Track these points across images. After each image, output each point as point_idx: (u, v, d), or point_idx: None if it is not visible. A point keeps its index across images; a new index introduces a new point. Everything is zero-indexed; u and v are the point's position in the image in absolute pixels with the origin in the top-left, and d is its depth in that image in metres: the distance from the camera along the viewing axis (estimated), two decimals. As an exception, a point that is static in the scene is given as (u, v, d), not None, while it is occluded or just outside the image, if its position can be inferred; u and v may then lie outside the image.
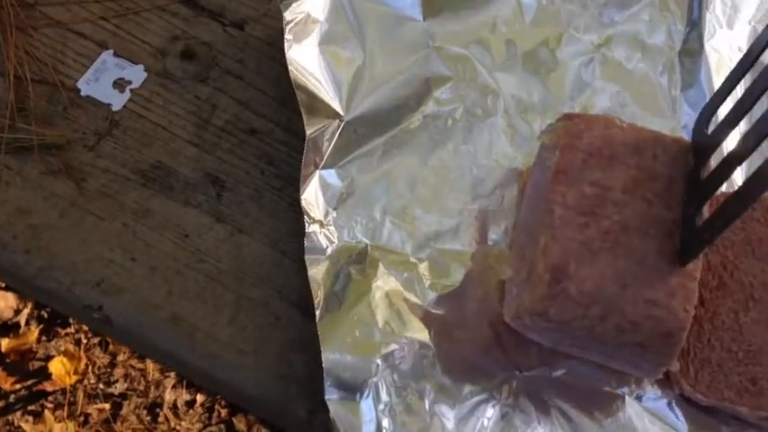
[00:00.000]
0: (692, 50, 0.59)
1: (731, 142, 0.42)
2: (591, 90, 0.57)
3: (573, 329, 0.42)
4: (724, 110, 0.43)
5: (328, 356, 0.45)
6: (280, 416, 0.48)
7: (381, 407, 0.44)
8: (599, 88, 0.57)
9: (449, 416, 0.45)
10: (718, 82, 0.57)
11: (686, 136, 0.55)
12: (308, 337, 0.47)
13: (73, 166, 0.51)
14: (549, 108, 0.56)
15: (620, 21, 0.59)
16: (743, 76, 0.43)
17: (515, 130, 0.54)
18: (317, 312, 0.46)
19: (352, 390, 0.45)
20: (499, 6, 0.58)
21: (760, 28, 0.60)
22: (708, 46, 0.59)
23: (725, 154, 0.40)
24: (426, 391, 0.46)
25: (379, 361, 0.46)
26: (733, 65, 0.58)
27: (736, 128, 0.42)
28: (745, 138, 0.38)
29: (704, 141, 0.43)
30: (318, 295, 0.47)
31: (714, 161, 0.42)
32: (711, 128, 0.43)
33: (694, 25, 0.60)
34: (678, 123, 0.56)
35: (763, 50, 0.41)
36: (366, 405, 0.44)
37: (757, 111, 0.39)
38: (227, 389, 0.48)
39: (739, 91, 0.43)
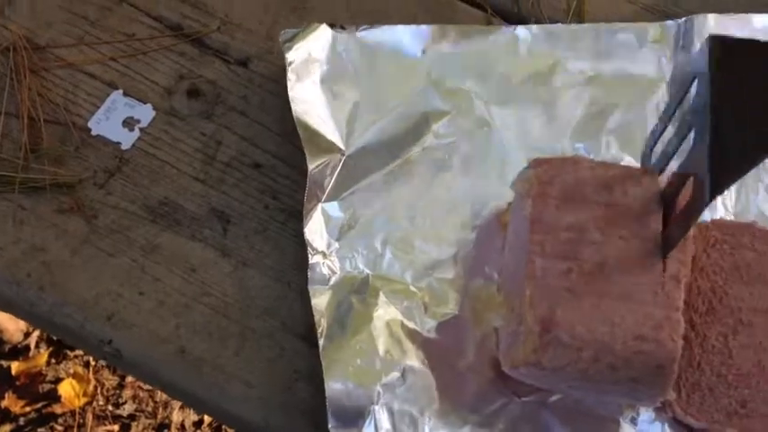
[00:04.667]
0: (682, 81, 0.60)
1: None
2: (583, 121, 0.58)
3: (568, 373, 0.42)
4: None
5: (331, 385, 0.47)
6: (286, 445, 0.49)
7: (382, 434, 0.46)
8: (591, 119, 0.58)
9: (448, 442, 0.47)
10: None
11: (674, 164, 0.57)
12: (313, 366, 0.48)
13: (84, 204, 0.53)
14: (543, 139, 0.57)
15: (611, 53, 0.60)
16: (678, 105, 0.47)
17: (510, 162, 0.56)
18: (321, 341, 0.48)
19: (353, 418, 0.46)
20: (494, 41, 0.60)
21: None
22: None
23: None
24: (426, 418, 0.47)
25: (380, 389, 0.47)
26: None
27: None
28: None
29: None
30: (321, 324, 0.48)
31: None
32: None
33: (684, 56, 0.61)
34: (670, 153, 0.58)
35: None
36: (368, 433, 0.46)
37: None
38: (234, 420, 0.49)
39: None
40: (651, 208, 0.45)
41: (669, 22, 0.62)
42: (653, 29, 0.62)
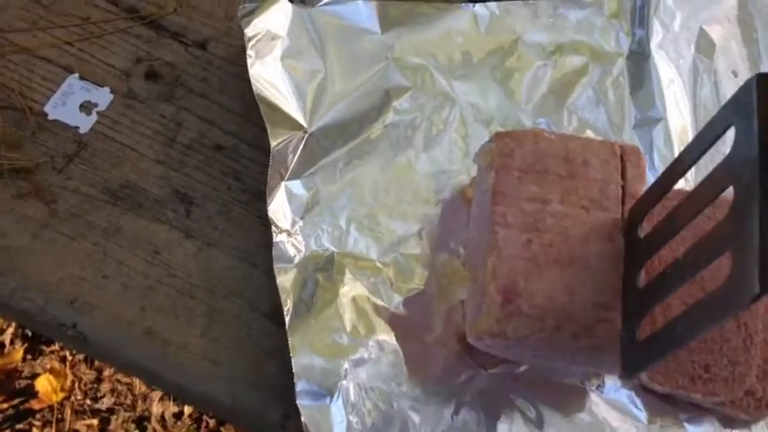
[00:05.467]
0: (639, 54, 0.61)
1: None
2: (544, 95, 0.59)
3: (532, 343, 0.43)
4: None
5: (298, 362, 0.47)
6: (254, 423, 0.49)
7: (351, 408, 0.46)
8: (552, 93, 0.59)
9: (416, 414, 0.47)
10: (665, 85, 0.60)
11: (635, 136, 0.58)
12: (280, 345, 0.48)
13: (43, 189, 0.53)
14: (505, 114, 0.58)
15: (570, 29, 0.61)
16: (679, 177, 0.41)
17: (472, 137, 0.56)
18: (287, 319, 0.48)
19: (322, 393, 0.46)
20: (454, 18, 0.60)
21: (706, 27, 0.63)
22: (654, 49, 0.61)
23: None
24: (394, 391, 0.47)
25: (347, 364, 0.47)
26: (679, 65, 0.61)
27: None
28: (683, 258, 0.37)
29: (637, 244, 0.43)
30: (287, 303, 0.48)
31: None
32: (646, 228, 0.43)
33: (642, 30, 0.62)
34: (629, 124, 0.58)
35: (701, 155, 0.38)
36: (336, 407, 0.46)
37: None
38: (202, 400, 0.49)
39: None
40: (611, 178, 0.45)
41: (626, -3, 0.63)
42: (610, 3, 0.63)
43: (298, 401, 0.45)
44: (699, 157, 0.39)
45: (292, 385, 0.46)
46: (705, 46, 0.62)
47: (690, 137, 0.58)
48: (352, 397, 0.47)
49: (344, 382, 0.47)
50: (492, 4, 0.61)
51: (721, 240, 0.34)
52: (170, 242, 0.52)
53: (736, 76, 0.62)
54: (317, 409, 0.46)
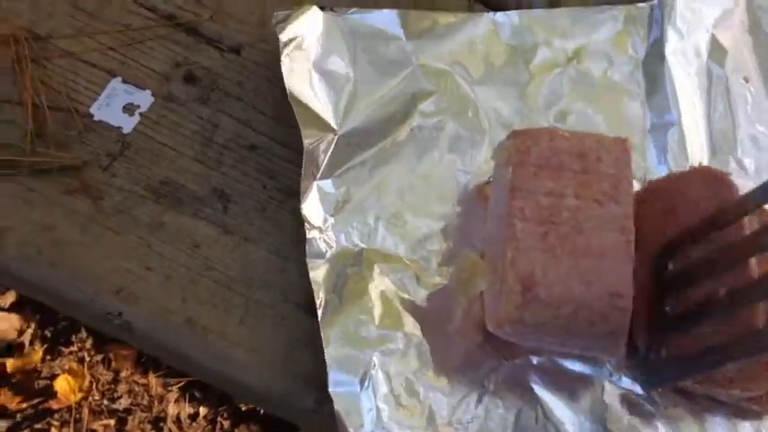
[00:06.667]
0: (654, 59, 0.63)
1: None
2: (563, 100, 0.61)
3: (549, 329, 0.45)
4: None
5: (330, 352, 0.49)
6: (288, 409, 0.52)
7: (380, 396, 0.49)
8: (570, 98, 0.61)
9: (441, 403, 0.49)
10: (679, 90, 0.62)
11: (651, 139, 0.60)
12: (313, 334, 0.50)
13: (90, 186, 0.56)
14: (524, 118, 0.60)
15: (587, 35, 0.63)
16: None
17: (493, 139, 0.59)
18: (319, 312, 0.50)
19: (353, 382, 0.49)
20: (475, 26, 0.63)
21: (718, 34, 0.65)
22: (669, 54, 0.63)
23: None
24: (420, 380, 0.50)
25: (376, 354, 0.50)
26: (692, 70, 0.63)
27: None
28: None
29: (667, 274, 0.48)
30: (320, 296, 0.51)
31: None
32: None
33: (656, 36, 0.64)
34: (645, 128, 0.61)
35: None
36: (366, 395, 0.48)
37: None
38: (238, 386, 0.52)
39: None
40: (624, 173, 0.48)
41: (641, 5, 0.65)
42: (626, 11, 0.65)
43: (330, 389, 0.48)
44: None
45: (324, 373, 0.48)
46: (717, 52, 0.64)
47: (703, 141, 0.60)
48: (380, 386, 0.49)
49: (374, 371, 0.49)
50: (512, 13, 0.63)
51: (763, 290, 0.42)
52: (209, 237, 0.55)
53: (747, 82, 0.64)
54: (348, 397, 0.48)
